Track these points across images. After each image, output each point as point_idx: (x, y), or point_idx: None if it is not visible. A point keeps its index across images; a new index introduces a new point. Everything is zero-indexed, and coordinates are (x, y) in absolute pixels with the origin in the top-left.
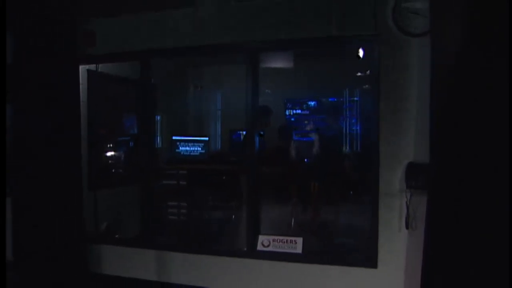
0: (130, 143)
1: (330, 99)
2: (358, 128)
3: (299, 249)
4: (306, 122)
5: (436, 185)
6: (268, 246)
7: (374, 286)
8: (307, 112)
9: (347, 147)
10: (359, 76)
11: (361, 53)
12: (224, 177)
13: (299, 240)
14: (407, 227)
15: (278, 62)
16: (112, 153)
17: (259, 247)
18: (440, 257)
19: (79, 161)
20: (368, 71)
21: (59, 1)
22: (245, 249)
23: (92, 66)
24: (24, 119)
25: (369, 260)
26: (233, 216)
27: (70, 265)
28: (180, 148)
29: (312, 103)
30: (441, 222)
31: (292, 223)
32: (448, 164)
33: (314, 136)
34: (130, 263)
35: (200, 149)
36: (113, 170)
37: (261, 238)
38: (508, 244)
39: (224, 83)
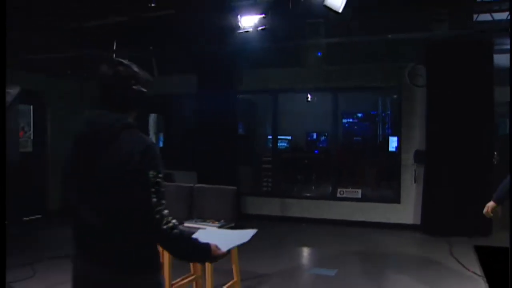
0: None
1: (372, 112)
2: (390, 131)
3: (359, 195)
4: (355, 127)
5: (428, 161)
6: (343, 194)
7: (398, 212)
8: (356, 121)
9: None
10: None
11: None
12: (306, 161)
13: (359, 190)
14: (415, 182)
15: None
16: None
17: (338, 195)
18: (430, 196)
19: (236, 148)
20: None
21: (224, 59)
22: (329, 195)
23: None
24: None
25: (396, 199)
26: (313, 186)
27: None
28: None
29: (360, 114)
30: (431, 180)
31: None
32: (434, 151)
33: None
34: (263, 206)
35: (286, 144)
36: None
37: (339, 189)
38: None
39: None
